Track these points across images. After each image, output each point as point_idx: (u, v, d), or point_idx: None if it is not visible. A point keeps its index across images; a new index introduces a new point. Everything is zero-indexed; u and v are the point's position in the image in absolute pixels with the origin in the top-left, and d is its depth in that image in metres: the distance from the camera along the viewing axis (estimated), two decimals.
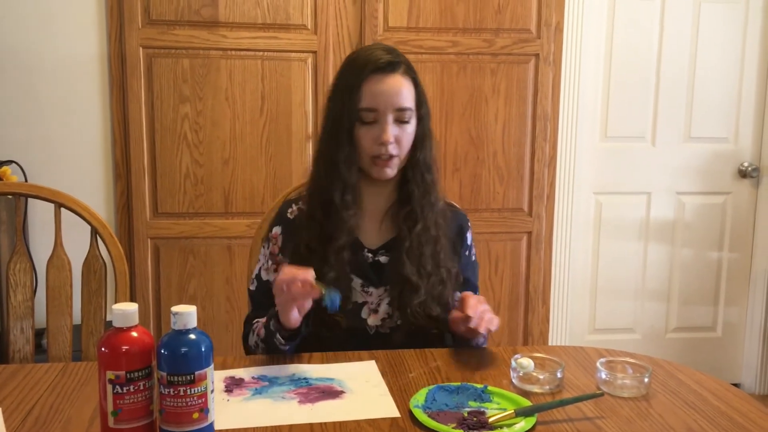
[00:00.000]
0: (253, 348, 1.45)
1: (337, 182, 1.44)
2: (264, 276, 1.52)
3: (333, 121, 1.45)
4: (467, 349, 1.43)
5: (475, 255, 1.62)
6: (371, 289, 1.47)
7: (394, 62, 1.42)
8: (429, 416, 1.08)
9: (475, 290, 1.56)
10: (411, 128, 1.44)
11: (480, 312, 1.33)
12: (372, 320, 1.46)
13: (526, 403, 1.13)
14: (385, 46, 1.46)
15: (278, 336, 1.35)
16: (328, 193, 1.44)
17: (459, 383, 1.20)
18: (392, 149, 1.42)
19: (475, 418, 1.08)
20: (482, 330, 1.32)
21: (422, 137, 1.47)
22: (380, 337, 1.46)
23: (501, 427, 1.06)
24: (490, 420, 1.07)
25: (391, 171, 1.45)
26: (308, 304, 1.29)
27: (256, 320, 1.47)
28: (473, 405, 1.14)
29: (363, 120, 1.41)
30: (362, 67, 1.41)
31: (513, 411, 1.09)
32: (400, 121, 1.42)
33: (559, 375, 1.24)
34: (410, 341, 1.44)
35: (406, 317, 1.44)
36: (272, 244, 1.52)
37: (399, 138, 1.42)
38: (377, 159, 1.43)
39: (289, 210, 1.54)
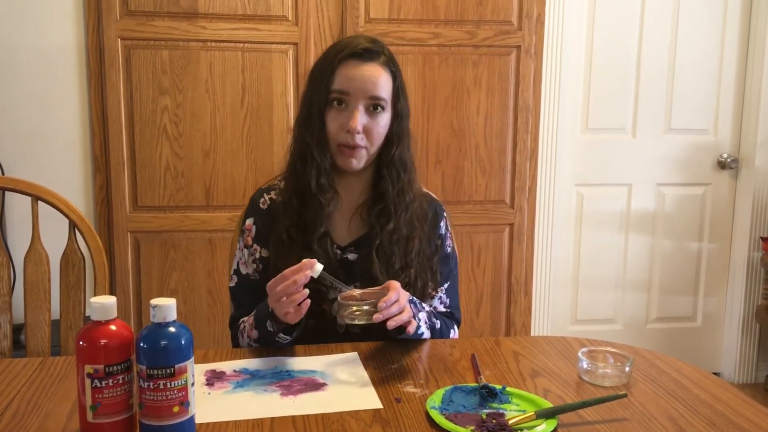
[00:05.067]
0: (247, 347, 1.43)
1: (311, 167, 1.41)
2: (243, 270, 1.51)
3: (307, 104, 1.43)
4: (444, 341, 1.43)
5: (451, 246, 1.57)
6: (339, 288, 1.39)
7: (372, 50, 1.39)
8: (446, 418, 1.06)
9: (445, 281, 1.53)
10: (383, 120, 1.41)
11: (390, 301, 1.24)
12: (341, 320, 1.44)
13: (546, 404, 1.11)
14: (370, 37, 1.44)
15: (281, 335, 1.33)
16: (303, 179, 1.42)
17: (476, 384, 1.18)
18: (359, 139, 1.38)
19: (494, 420, 1.05)
20: (383, 316, 1.23)
21: (399, 134, 1.44)
22: (350, 337, 1.43)
23: (522, 429, 1.04)
24: (511, 422, 1.04)
25: (357, 162, 1.41)
26: (307, 302, 1.25)
27: (241, 321, 1.46)
28: (492, 407, 1.12)
29: (333, 103, 1.39)
30: (340, 51, 1.40)
31: (533, 413, 1.06)
32: (372, 111, 1.39)
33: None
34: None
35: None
36: (246, 236, 1.51)
37: (369, 129, 1.39)
38: (344, 147, 1.40)
39: (261, 200, 1.51)
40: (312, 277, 1.24)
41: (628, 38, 3.00)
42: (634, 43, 3.00)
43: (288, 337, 1.35)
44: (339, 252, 1.46)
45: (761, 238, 3.07)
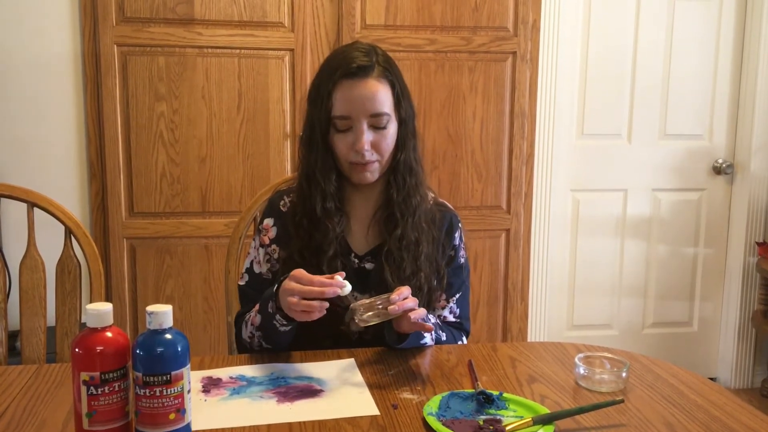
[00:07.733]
0: (248, 341, 1.42)
1: (316, 191, 1.41)
2: (257, 269, 1.50)
3: (309, 127, 1.43)
4: (444, 346, 1.43)
5: (464, 257, 1.56)
6: (356, 295, 1.42)
7: (366, 66, 1.37)
8: (444, 424, 1.05)
9: (457, 292, 1.53)
10: (390, 132, 1.40)
11: (403, 295, 1.25)
12: (355, 326, 1.44)
13: (543, 410, 1.11)
14: (364, 47, 1.41)
15: (278, 317, 1.31)
16: (310, 201, 1.42)
17: (473, 390, 1.18)
18: (369, 155, 1.38)
19: (491, 426, 1.05)
20: (398, 307, 1.23)
21: (404, 139, 1.44)
22: (363, 345, 1.43)
23: None
24: (508, 428, 1.04)
25: (372, 175, 1.42)
26: (318, 313, 1.24)
27: (248, 313, 1.45)
28: (489, 413, 1.12)
29: (337, 128, 1.38)
30: (334, 71, 1.37)
31: (530, 419, 1.06)
32: (377, 127, 1.38)
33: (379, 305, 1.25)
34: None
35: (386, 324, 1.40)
36: (263, 235, 1.50)
37: (377, 143, 1.38)
38: (355, 165, 1.40)
39: (281, 202, 1.51)
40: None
41: (624, 44, 3.00)
42: (629, 49, 3.01)
43: (285, 325, 1.32)
44: (357, 261, 1.46)
45: (757, 243, 3.08)
